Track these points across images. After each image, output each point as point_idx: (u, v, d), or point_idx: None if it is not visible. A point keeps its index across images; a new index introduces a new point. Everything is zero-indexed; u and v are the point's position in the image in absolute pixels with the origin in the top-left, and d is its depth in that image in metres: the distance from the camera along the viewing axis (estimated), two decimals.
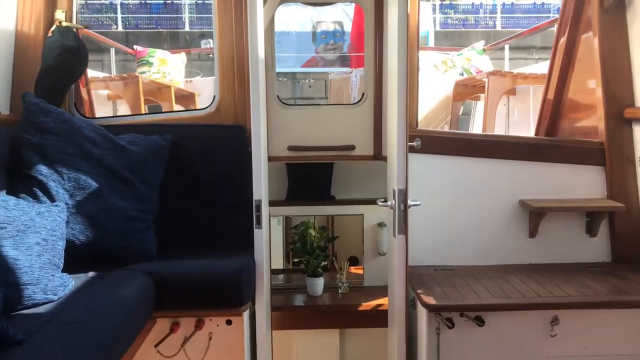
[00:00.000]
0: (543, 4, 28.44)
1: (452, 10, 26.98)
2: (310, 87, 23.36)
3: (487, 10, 27.03)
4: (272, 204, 5.01)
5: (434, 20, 25.36)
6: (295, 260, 5.33)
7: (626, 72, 4.48)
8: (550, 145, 4.69)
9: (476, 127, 9.64)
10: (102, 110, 7.40)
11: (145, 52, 8.26)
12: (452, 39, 25.33)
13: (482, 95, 8.38)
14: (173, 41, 22.82)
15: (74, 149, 3.80)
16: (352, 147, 5.32)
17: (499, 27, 26.14)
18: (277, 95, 5.40)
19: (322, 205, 5.37)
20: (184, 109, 8.61)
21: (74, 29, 4.32)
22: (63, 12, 4.32)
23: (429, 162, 4.54)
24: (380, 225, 5.29)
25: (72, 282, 3.23)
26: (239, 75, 4.42)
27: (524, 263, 4.57)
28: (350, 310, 4.87)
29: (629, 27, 4.45)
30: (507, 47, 8.85)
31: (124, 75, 7.10)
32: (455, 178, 4.60)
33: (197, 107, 8.62)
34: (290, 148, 5.32)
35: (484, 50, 8.77)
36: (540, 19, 26.66)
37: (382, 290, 4.59)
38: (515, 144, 4.68)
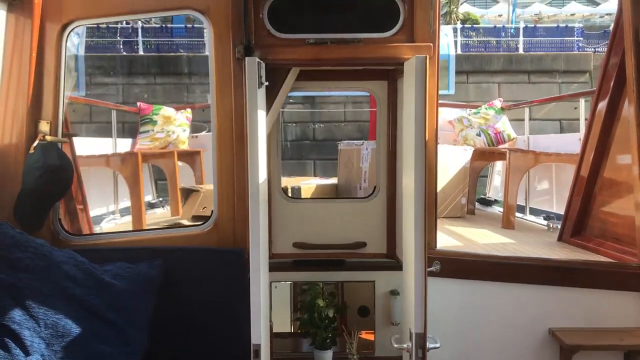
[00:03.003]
0: (566, 26, 27.91)
1: (474, 33, 26.53)
2: (329, 110, 23.17)
3: (509, 34, 26.56)
4: (278, 268, 4.70)
5: (455, 44, 24.99)
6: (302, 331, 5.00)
7: None
8: (582, 269, 4.28)
9: (494, 186, 9.29)
10: (101, 179, 7.18)
11: (149, 109, 7.98)
12: (473, 62, 24.95)
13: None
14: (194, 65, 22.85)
15: (53, 289, 3.48)
16: (363, 245, 5.03)
17: (521, 51, 25.69)
18: (283, 188, 5.11)
19: (331, 271, 5.01)
20: (188, 166, 8.36)
21: (59, 144, 4.00)
22: (48, 123, 4.00)
23: (449, 288, 4.19)
24: (393, 293, 4.98)
25: None
26: (239, 189, 4.09)
27: None
28: None
29: None
30: (527, 109, 8.41)
31: (121, 153, 6.82)
32: (478, 305, 4.23)
33: (202, 164, 8.37)
34: (296, 245, 5.03)
35: (502, 109, 8.35)
36: (564, 42, 26.18)
37: None
38: (544, 267, 4.28)
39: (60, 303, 3.48)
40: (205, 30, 4.19)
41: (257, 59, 3.58)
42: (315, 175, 22.48)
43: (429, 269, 3.75)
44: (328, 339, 4.83)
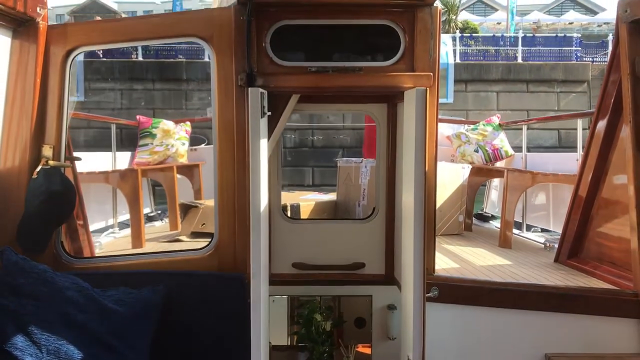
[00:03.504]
0: (565, 35, 28.02)
1: (473, 42, 26.62)
2: (327, 117, 23.25)
3: (508, 43, 26.65)
4: (276, 282, 4.74)
5: (454, 52, 25.08)
6: (300, 344, 5.07)
7: None
8: (579, 295, 4.32)
9: (491, 201, 9.34)
10: (100, 192, 7.21)
11: (148, 123, 8.01)
12: (472, 71, 25.04)
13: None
14: (193, 71, 22.87)
15: (55, 315, 3.51)
16: (362, 265, 5.07)
17: (520, 60, 25.79)
18: (282, 208, 5.15)
19: (329, 285, 5.07)
20: (187, 179, 8.39)
21: (62, 169, 4.03)
22: (51, 147, 4.03)
23: (447, 313, 4.22)
24: (390, 307, 5.03)
25: None
26: (240, 214, 4.11)
27: None
28: None
29: None
30: (525, 127, 8.46)
31: (121, 169, 6.85)
32: (475, 330, 4.27)
33: (201, 177, 8.39)
34: (295, 265, 5.08)
35: (500, 125, 8.41)
36: (562, 51, 26.29)
37: None
38: (542, 293, 4.32)
39: (63, 329, 3.50)
40: (208, 57, 4.21)
41: (260, 90, 3.63)
42: (313, 183, 22.54)
43: (427, 295, 3.81)
44: (325, 353, 4.88)
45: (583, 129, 7.23)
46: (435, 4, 4.08)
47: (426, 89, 3.70)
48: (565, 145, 23.96)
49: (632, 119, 4.17)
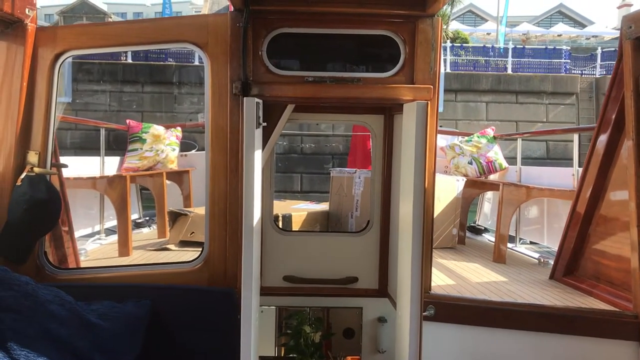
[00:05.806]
0: (554, 48, 28.16)
1: (463, 52, 26.71)
2: (317, 124, 23.19)
3: (497, 54, 26.77)
4: (265, 293, 4.63)
5: (445, 62, 25.15)
6: (289, 356, 4.95)
7: None
8: (577, 317, 4.22)
9: (484, 213, 9.28)
10: (87, 198, 7.04)
11: (138, 127, 7.84)
12: (462, 81, 25.11)
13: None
14: (183, 75, 22.67)
15: (37, 330, 3.34)
16: (355, 280, 4.99)
17: (509, 71, 25.90)
18: (274, 219, 5.04)
19: (318, 296, 4.97)
20: (176, 185, 8.25)
21: (47, 176, 3.86)
22: (36, 154, 3.86)
23: (443, 333, 4.12)
24: (381, 320, 4.94)
25: None
26: (231, 227, 3.97)
27: None
28: None
29: None
30: (519, 140, 8.40)
31: (109, 175, 6.68)
32: (471, 351, 4.17)
33: (191, 183, 8.26)
34: (286, 278, 4.97)
35: (495, 137, 8.34)
36: (552, 63, 26.43)
37: None
38: (539, 314, 4.22)
39: (44, 345, 3.34)
40: (199, 61, 4.04)
41: (256, 100, 3.51)
42: (301, 189, 22.44)
43: (423, 314, 3.72)
44: None
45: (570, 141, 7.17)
46: (436, 16, 3.97)
47: (427, 103, 3.60)
48: (553, 157, 24.08)
49: (634, 136, 4.10)
